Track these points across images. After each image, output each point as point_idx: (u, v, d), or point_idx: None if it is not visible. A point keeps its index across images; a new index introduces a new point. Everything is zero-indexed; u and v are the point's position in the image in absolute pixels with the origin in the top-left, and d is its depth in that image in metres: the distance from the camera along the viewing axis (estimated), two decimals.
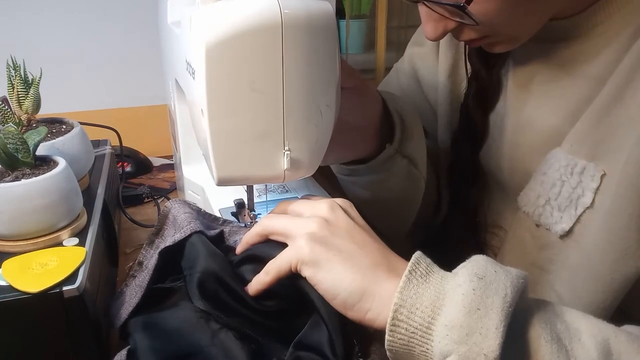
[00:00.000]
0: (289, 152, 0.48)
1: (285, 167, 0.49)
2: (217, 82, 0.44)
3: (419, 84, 0.78)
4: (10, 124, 0.57)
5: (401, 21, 1.50)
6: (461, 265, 0.41)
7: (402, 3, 1.47)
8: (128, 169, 0.98)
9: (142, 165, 1.02)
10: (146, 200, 0.88)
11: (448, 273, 0.41)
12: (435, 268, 0.41)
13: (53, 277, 0.45)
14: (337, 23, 0.48)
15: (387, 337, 0.39)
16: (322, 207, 0.47)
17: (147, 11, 1.09)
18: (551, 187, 0.55)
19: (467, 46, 0.68)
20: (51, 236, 0.51)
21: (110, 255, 0.63)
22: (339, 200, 0.49)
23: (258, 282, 0.46)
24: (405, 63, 0.81)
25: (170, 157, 1.08)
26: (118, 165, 0.88)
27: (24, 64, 0.62)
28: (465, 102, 0.69)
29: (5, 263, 0.48)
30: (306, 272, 0.43)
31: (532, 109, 0.61)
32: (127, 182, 0.94)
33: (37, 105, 0.63)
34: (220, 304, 0.46)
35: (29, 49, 1.04)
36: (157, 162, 1.08)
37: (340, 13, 1.44)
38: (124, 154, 0.89)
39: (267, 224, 0.48)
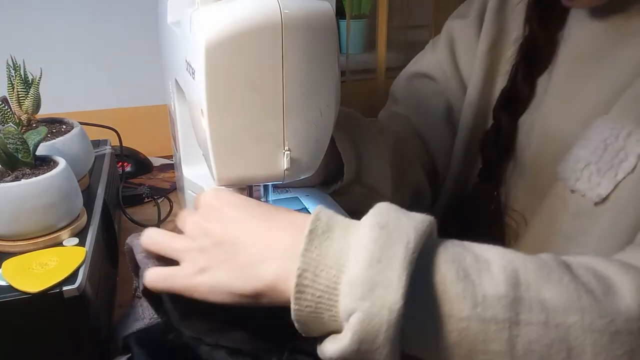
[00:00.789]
0: (289, 152, 0.48)
1: (285, 167, 0.49)
2: (217, 82, 0.44)
3: (454, 57, 0.78)
4: (10, 124, 0.57)
5: (401, 21, 1.49)
6: (366, 214, 0.39)
7: (402, 3, 1.47)
8: (128, 169, 0.98)
9: (142, 165, 1.02)
10: (146, 200, 0.88)
11: (352, 223, 0.39)
12: (338, 220, 0.39)
13: (53, 277, 0.45)
14: (337, 23, 0.48)
15: (293, 306, 0.37)
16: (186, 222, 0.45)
17: (147, 11, 1.08)
18: (593, 151, 0.54)
19: (527, 9, 0.67)
20: (51, 236, 0.51)
21: (110, 255, 0.63)
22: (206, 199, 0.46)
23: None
24: (441, 37, 0.80)
25: (170, 157, 1.08)
26: (118, 165, 0.88)
27: (24, 64, 0.62)
28: (516, 67, 0.68)
29: (5, 263, 0.48)
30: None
31: (579, 80, 0.60)
32: (127, 182, 0.94)
33: (37, 105, 0.63)
34: (206, 332, 0.44)
35: (29, 49, 1.04)
36: (157, 162, 1.08)
37: (340, 13, 1.44)
38: (124, 154, 0.89)
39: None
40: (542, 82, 0.65)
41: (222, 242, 0.42)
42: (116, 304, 0.61)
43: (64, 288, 0.44)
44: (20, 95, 0.62)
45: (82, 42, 1.09)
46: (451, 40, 0.78)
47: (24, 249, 0.50)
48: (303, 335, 0.39)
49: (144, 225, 0.76)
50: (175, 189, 0.92)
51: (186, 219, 0.45)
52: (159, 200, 0.86)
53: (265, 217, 0.43)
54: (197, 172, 0.70)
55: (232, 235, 0.42)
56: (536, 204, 0.63)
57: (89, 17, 1.08)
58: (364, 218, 0.38)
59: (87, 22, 1.08)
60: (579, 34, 0.62)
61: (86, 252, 0.50)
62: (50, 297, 0.44)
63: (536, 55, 0.65)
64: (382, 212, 0.38)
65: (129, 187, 0.92)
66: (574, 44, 0.63)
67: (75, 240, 0.52)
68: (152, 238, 0.46)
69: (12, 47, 0.69)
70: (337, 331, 0.37)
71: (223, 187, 0.49)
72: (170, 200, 0.87)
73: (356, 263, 0.35)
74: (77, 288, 0.45)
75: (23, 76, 0.62)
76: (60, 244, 0.51)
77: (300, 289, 0.36)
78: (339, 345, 0.36)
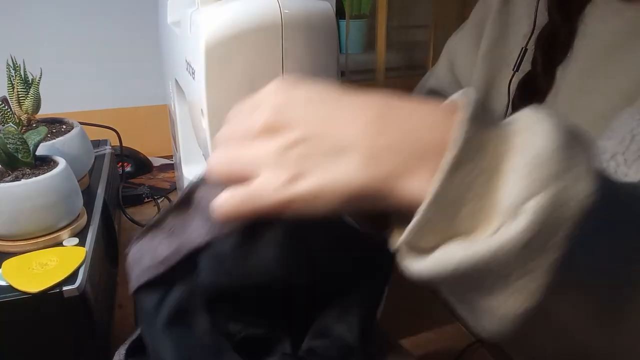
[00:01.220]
0: None
1: None
2: (217, 82, 0.44)
3: (453, 72, 0.79)
4: (10, 124, 0.57)
5: (401, 21, 1.50)
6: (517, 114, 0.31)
7: (402, 3, 1.47)
8: (128, 169, 0.98)
9: (142, 165, 1.03)
10: (146, 200, 0.88)
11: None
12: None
13: (53, 277, 0.45)
14: (337, 23, 0.48)
15: (439, 182, 0.28)
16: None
17: (147, 11, 1.08)
18: (620, 142, 0.52)
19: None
20: (51, 236, 0.51)
21: (110, 255, 0.63)
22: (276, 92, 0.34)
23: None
24: (441, 57, 0.82)
25: (170, 157, 1.08)
26: (118, 165, 0.88)
27: (24, 64, 0.62)
28: (534, 58, 0.66)
29: (5, 263, 0.48)
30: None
31: (599, 72, 0.60)
32: (127, 182, 0.94)
33: (37, 105, 0.63)
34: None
35: (29, 49, 1.04)
36: (157, 162, 1.08)
37: (340, 13, 1.44)
38: (124, 154, 0.89)
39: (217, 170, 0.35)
40: (558, 73, 0.65)
41: (318, 132, 0.31)
42: (116, 304, 0.61)
43: (64, 288, 0.44)
44: (20, 95, 0.62)
45: (82, 42, 1.09)
46: (450, 57, 0.80)
47: (24, 249, 0.50)
48: (408, 248, 0.31)
49: (144, 226, 0.76)
50: (175, 189, 0.92)
51: (251, 118, 0.34)
52: (159, 200, 0.86)
53: (363, 96, 0.33)
54: (197, 172, 0.70)
55: (328, 122, 0.32)
56: None
57: (89, 17, 1.08)
58: (521, 113, 0.31)
59: (87, 22, 1.08)
60: (599, 25, 0.61)
61: (86, 252, 0.50)
62: (50, 297, 0.44)
63: (555, 45, 0.65)
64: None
65: (129, 187, 0.92)
66: (593, 35, 0.62)
67: (75, 240, 0.52)
68: (218, 158, 0.35)
69: (12, 47, 0.69)
70: (467, 232, 0.29)
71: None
72: (170, 200, 0.87)
73: (542, 142, 0.28)
74: (77, 288, 0.45)
75: (23, 76, 0.62)
76: (60, 244, 0.51)
77: (459, 160, 0.28)
78: (498, 239, 0.27)
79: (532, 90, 0.66)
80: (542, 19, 0.66)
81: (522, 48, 0.67)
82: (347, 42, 1.46)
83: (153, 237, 0.42)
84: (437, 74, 0.83)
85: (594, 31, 0.62)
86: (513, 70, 0.68)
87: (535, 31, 0.66)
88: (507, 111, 0.68)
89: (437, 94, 0.83)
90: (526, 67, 0.67)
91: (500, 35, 0.72)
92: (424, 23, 1.49)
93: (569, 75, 0.63)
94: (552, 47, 0.65)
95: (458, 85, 0.79)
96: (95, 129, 0.79)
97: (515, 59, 0.68)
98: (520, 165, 0.28)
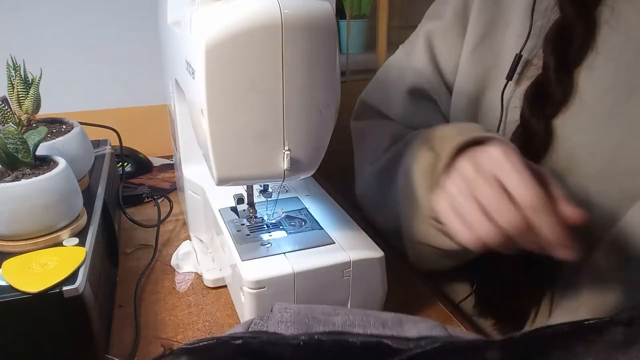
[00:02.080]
0: (289, 152, 0.48)
1: (285, 167, 0.49)
2: (217, 82, 0.44)
3: (435, 62, 0.70)
4: (10, 124, 0.57)
5: (402, 21, 1.50)
6: None
7: (402, 3, 1.47)
8: (128, 169, 0.98)
9: (142, 165, 1.03)
10: (146, 200, 0.88)
11: None
12: None
13: (53, 277, 0.45)
14: (337, 23, 0.48)
15: None
16: None
17: (147, 11, 1.09)
18: None
19: None
20: (51, 236, 0.51)
21: (110, 255, 0.63)
22: None
23: None
24: (419, 41, 0.72)
25: (170, 157, 1.08)
26: (118, 165, 0.88)
27: (24, 64, 0.62)
28: (545, 61, 0.58)
29: (5, 263, 0.48)
30: None
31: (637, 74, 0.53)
32: (127, 182, 0.94)
33: (37, 105, 0.63)
34: None
35: (29, 49, 1.04)
36: (157, 162, 1.08)
37: (340, 13, 1.44)
38: (124, 154, 0.89)
39: None
40: (582, 75, 0.56)
41: None
42: (116, 304, 0.61)
43: (64, 288, 0.44)
44: (20, 95, 0.62)
45: (82, 42, 1.09)
46: (430, 44, 0.70)
47: (24, 249, 0.50)
48: None
49: (144, 226, 0.76)
50: (175, 189, 0.92)
51: None
52: (159, 200, 0.86)
53: None
54: (197, 172, 0.70)
55: None
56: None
57: (89, 17, 1.08)
58: None
59: (87, 22, 1.08)
60: (634, 17, 0.53)
61: (86, 252, 0.50)
62: (50, 297, 0.44)
63: (571, 45, 0.56)
64: None
65: (129, 187, 0.92)
66: (628, 29, 0.54)
67: (75, 240, 0.52)
68: None
69: (12, 47, 0.69)
70: None
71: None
72: (170, 200, 0.87)
73: None
74: (77, 288, 0.45)
75: (23, 76, 0.62)
76: (60, 244, 0.51)
77: None
78: None
79: (543, 99, 0.58)
80: (538, 16, 0.58)
81: (517, 54, 0.59)
82: (347, 42, 1.46)
83: None
84: (417, 68, 0.71)
85: (629, 24, 0.54)
86: (506, 79, 0.60)
87: (531, 32, 0.58)
88: (500, 121, 0.61)
89: (422, 92, 0.72)
90: (528, 73, 0.60)
91: (487, 29, 0.63)
92: None
93: (601, 75, 0.55)
94: (566, 47, 0.56)
95: (445, 86, 0.69)
96: (95, 129, 0.79)
97: (510, 64, 0.60)
98: None
